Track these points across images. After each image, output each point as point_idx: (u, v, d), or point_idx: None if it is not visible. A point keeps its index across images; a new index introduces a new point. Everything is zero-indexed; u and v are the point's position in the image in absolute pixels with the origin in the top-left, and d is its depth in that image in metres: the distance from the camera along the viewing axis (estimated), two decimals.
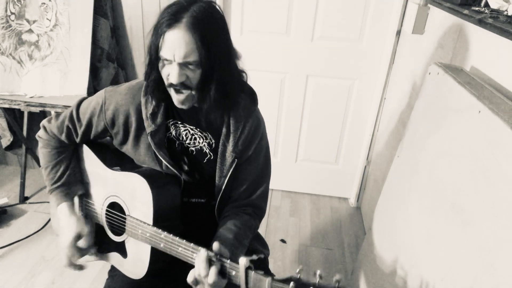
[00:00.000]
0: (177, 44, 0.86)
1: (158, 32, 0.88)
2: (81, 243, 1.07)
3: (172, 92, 0.95)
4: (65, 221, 1.09)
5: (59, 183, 1.10)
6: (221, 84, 0.93)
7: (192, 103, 0.97)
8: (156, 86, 0.96)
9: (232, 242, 0.95)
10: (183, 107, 0.97)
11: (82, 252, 1.08)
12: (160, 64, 0.92)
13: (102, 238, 1.13)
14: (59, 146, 1.13)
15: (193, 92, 0.93)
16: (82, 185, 1.15)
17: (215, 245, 0.85)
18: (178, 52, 0.86)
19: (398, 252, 1.22)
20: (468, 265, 0.83)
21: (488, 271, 0.76)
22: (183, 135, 1.06)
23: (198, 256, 0.84)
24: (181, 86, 0.91)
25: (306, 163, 2.50)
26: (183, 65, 0.89)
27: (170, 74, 0.90)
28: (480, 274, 0.78)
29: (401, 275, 1.16)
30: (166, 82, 0.94)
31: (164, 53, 0.88)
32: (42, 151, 1.13)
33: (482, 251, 0.79)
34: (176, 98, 0.95)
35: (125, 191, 1.05)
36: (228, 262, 0.82)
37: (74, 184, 1.12)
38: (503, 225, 0.75)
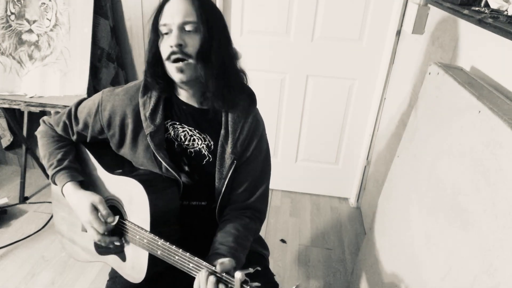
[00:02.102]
0: (176, 8, 0.92)
1: (159, 6, 0.94)
2: (101, 210, 1.00)
3: (170, 65, 0.94)
4: (74, 198, 1.04)
5: (60, 167, 1.07)
6: (222, 59, 0.96)
7: (191, 76, 0.95)
8: (155, 66, 0.98)
9: (232, 245, 0.95)
10: (182, 77, 0.94)
11: (106, 219, 1.01)
12: (160, 40, 0.95)
13: None
14: (57, 136, 1.13)
15: (192, 61, 0.94)
16: (81, 175, 1.11)
17: (219, 267, 0.82)
18: (177, 15, 0.91)
19: (398, 252, 1.22)
20: (468, 265, 0.83)
21: (488, 271, 0.76)
22: (182, 136, 1.05)
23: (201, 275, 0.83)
24: (179, 50, 0.92)
25: (306, 163, 2.50)
26: (182, 28, 0.92)
27: (169, 43, 0.92)
28: (480, 274, 0.78)
29: (401, 275, 1.16)
30: (165, 58, 0.94)
31: (163, 19, 0.93)
32: (41, 142, 1.13)
33: (482, 251, 0.79)
34: (174, 67, 0.94)
35: (123, 195, 1.04)
36: (224, 275, 0.80)
37: (75, 170, 1.09)
38: (503, 225, 0.75)
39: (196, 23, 0.92)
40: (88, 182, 1.13)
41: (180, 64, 0.93)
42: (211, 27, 0.93)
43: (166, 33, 0.93)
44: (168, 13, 0.92)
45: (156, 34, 0.95)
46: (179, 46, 0.91)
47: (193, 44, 0.93)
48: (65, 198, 1.07)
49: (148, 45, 0.98)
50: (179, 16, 0.91)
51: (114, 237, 1.03)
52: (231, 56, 1.00)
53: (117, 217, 1.01)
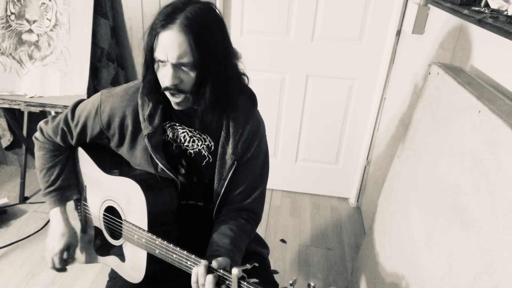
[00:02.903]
0: (170, 45, 0.85)
1: (152, 33, 0.87)
2: (66, 255, 1.13)
3: (168, 94, 0.94)
4: (56, 228, 1.12)
5: (53, 187, 1.10)
6: (217, 87, 0.92)
7: (189, 105, 0.96)
8: (152, 87, 0.96)
9: (229, 247, 0.95)
10: (180, 108, 0.96)
11: (66, 261, 1.15)
12: (156, 66, 0.91)
13: (102, 241, 1.13)
14: (54, 150, 1.12)
15: (188, 95, 0.92)
16: (78, 189, 1.15)
17: (215, 263, 0.83)
18: (171, 53, 0.86)
19: (398, 252, 1.22)
20: (468, 265, 0.83)
21: (488, 271, 0.76)
22: (181, 137, 1.04)
23: (199, 267, 0.83)
24: (174, 89, 0.90)
25: (306, 163, 2.50)
26: (177, 67, 0.88)
27: (165, 76, 0.89)
28: (480, 274, 0.78)
29: (401, 275, 1.16)
30: (162, 85, 0.92)
31: (158, 54, 0.87)
32: (38, 154, 1.13)
33: (482, 251, 0.79)
34: (173, 101, 0.95)
35: (120, 195, 1.04)
36: (221, 271, 0.81)
37: (68, 188, 1.12)
38: (503, 225, 0.75)
39: (192, 63, 0.87)
40: (86, 189, 1.15)
41: (177, 100, 0.93)
42: (209, 62, 0.88)
43: (161, 61, 0.89)
44: (163, 48, 0.86)
45: (151, 59, 0.91)
46: (175, 85, 0.89)
47: (188, 80, 0.90)
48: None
49: (143, 66, 0.95)
50: (173, 55, 0.85)
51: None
52: (231, 71, 0.96)
53: (67, 268, 1.16)
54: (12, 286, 1.75)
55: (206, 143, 1.04)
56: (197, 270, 0.82)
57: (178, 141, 1.05)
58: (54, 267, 1.13)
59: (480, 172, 0.85)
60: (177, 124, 1.04)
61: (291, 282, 0.75)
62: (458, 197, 0.92)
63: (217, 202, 1.06)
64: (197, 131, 1.04)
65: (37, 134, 1.13)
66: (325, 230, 2.26)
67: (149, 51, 0.89)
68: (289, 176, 2.55)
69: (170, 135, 1.05)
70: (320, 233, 2.23)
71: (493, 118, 0.83)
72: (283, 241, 2.14)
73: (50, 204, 1.11)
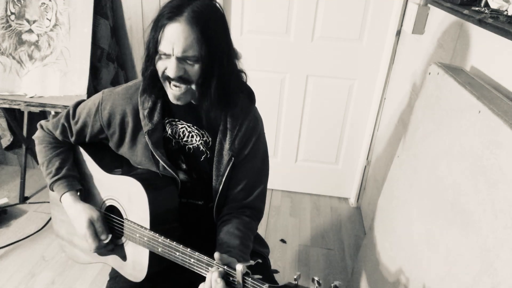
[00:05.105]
0: (176, 38, 0.86)
1: (158, 25, 0.88)
2: (97, 227, 1.04)
3: (167, 87, 0.94)
4: (73, 210, 1.06)
5: (58, 176, 1.08)
6: (222, 82, 0.93)
7: (188, 100, 0.96)
8: (152, 82, 0.96)
9: (240, 247, 0.95)
10: (179, 103, 0.96)
11: (100, 236, 1.04)
12: (157, 57, 0.91)
13: None
14: (54, 142, 1.13)
15: (193, 87, 0.93)
16: (80, 182, 1.14)
17: (217, 254, 0.83)
18: (177, 46, 0.86)
19: (398, 252, 1.22)
20: (468, 265, 0.83)
21: (488, 271, 0.76)
22: (180, 133, 1.05)
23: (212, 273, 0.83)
24: (178, 80, 0.90)
25: (306, 163, 2.50)
26: (181, 60, 0.88)
27: (168, 67, 0.89)
28: (480, 274, 0.78)
29: (401, 275, 1.16)
30: (161, 75, 0.93)
31: (163, 47, 0.88)
32: (38, 148, 1.13)
33: (482, 251, 0.79)
34: (172, 94, 0.94)
35: (122, 194, 1.05)
36: (225, 268, 0.81)
37: (73, 178, 1.10)
38: (503, 225, 0.75)
39: (197, 57, 0.88)
40: (86, 188, 1.14)
41: (177, 93, 0.93)
42: (213, 56, 0.89)
43: (165, 54, 0.89)
44: (168, 41, 0.87)
45: (155, 52, 0.91)
46: (179, 76, 0.90)
47: (193, 72, 0.90)
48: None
49: (144, 60, 0.95)
50: (179, 47, 0.86)
51: (109, 246, 1.06)
52: (232, 67, 0.97)
53: (110, 235, 1.05)
54: (12, 286, 1.75)
55: (204, 138, 1.05)
56: (211, 276, 0.82)
57: (177, 137, 1.05)
58: (97, 248, 1.04)
59: (480, 172, 0.85)
60: (176, 120, 1.05)
61: (295, 277, 0.76)
62: (458, 197, 0.92)
63: (216, 199, 1.06)
64: (195, 127, 1.04)
65: (37, 132, 1.15)
66: (325, 230, 2.26)
67: (153, 44, 0.89)
68: (289, 176, 2.55)
69: (169, 131, 1.05)
70: (320, 233, 2.23)
71: (493, 118, 0.83)
72: (283, 241, 2.14)
73: (59, 191, 1.07)
